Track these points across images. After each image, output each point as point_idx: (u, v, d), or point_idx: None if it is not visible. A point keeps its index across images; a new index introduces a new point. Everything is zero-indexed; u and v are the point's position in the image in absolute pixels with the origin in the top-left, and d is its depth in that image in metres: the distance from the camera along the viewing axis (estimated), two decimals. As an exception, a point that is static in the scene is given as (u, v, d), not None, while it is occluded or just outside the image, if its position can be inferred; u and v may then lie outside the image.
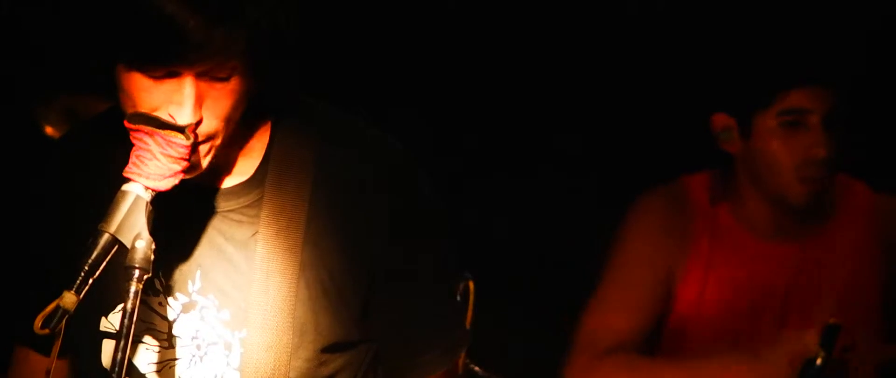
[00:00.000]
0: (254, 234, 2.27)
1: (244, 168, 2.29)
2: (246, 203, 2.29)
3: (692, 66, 3.52)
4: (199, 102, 2.09)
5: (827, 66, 3.15)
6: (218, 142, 2.15)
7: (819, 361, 2.87)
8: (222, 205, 2.29)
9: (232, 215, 2.29)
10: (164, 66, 2.07)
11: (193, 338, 2.30)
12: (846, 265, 3.25)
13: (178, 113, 2.09)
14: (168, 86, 2.08)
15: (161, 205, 2.12)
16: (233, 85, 2.12)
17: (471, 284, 2.58)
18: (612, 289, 3.24)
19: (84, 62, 2.17)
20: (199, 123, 2.10)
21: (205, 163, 2.16)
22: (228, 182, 2.29)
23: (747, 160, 3.19)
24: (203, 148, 2.14)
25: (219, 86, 2.11)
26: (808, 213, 3.23)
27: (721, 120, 3.21)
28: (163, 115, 2.09)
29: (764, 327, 3.23)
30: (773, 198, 3.19)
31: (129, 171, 2.08)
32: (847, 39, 3.34)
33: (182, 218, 2.27)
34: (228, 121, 2.14)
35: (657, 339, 3.27)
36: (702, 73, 3.33)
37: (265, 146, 2.30)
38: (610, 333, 3.18)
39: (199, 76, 2.08)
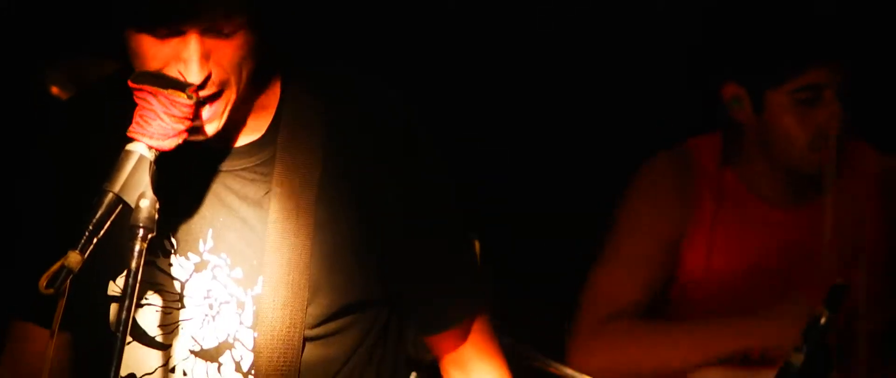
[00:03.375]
0: (266, 193, 2.28)
1: (255, 127, 2.30)
2: (258, 162, 2.29)
3: (703, 37, 3.48)
4: (205, 59, 2.11)
5: (843, 43, 3.13)
6: (233, 98, 2.17)
7: (823, 321, 2.87)
8: (234, 164, 2.29)
9: (244, 174, 2.29)
10: (169, 25, 2.09)
11: (205, 297, 2.30)
12: (852, 225, 3.25)
13: (186, 70, 2.11)
14: (174, 43, 2.11)
15: (172, 166, 2.13)
16: (239, 40, 2.14)
17: (476, 244, 2.57)
18: (617, 254, 3.21)
19: (93, 27, 2.19)
20: (208, 79, 2.12)
21: (220, 122, 2.17)
22: (240, 141, 2.30)
23: (758, 131, 3.18)
24: (219, 106, 2.15)
25: (225, 42, 2.13)
26: (816, 177, 3.23)
27: (731, 90, 3.19)
28: (172, 72, 2.11)
29: (773, 291, 3.22)
30: (784, 166, 3.19)
31: (132, 131, 2.09)
32: (861, 14, 3.32)
33: (193, 178, 2.28)
34: (239, 75, 2.16)
35: (664, 303, 3.27)
36: (713, 47, 3.30)
37: (275, 105, 2.31)
38: (613, 299, 3.16)
39: (204, 32, 2.11)
